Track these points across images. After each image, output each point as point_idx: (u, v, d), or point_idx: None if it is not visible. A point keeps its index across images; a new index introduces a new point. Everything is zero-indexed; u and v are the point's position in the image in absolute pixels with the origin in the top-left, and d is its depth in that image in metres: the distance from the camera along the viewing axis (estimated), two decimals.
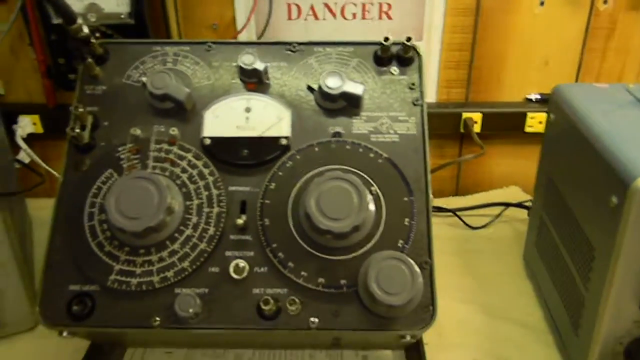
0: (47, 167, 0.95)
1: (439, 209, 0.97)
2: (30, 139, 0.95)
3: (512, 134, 1.00)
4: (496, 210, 0.97)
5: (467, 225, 0.94)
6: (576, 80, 0.98)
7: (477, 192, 1.04)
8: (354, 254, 0.56)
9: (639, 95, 0.67)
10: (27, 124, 0.95)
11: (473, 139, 0.95)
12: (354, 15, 0.92)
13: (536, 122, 0.97)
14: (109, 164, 0.60)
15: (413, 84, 0.64)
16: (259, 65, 0.62)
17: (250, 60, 0.62)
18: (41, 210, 0.94)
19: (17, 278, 0.70)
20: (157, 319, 0.55)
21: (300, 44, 0.66)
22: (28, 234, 0.87)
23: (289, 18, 0.92)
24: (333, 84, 0.61)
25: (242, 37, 0.92)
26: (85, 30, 0.60)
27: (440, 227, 0.94)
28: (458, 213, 0.96)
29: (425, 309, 0.54)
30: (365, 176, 0.59)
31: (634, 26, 0.93)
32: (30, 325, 0.74)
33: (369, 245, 0.56)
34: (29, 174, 0.96)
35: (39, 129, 0.97)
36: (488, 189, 1.05)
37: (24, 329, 0.73)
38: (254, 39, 0.93)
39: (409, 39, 0.62)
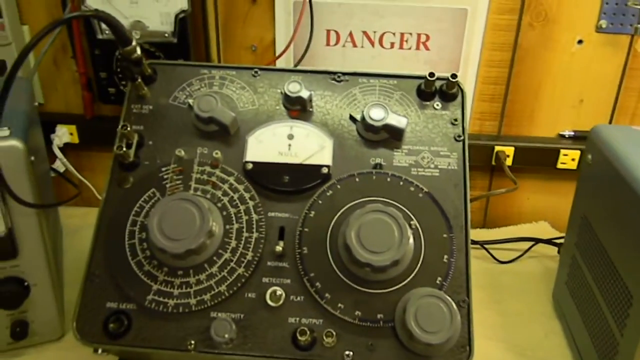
0: (80, 177, 0.97)
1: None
2: (65, 148, 0.97)
3: (544, 169, 1.00)
4: (525, 245, 0.96)
5: (495, 259, 0.94)
6: (611, 120, 0.97)
7: (505, 226, 1.04)
8: (392, 288, 0.56)
9: None
10: (64, 134, 0.96)
11: (505, 172, 0.95)
12: (392, 44, 0.93)
13: (569, 159, 0.97)
14: (152, 183, 0.61)
15: (455, 120, 0.64)
16: (304, 93, 0.63)
17: (296, 88, 0.62)
18: (71, 218, 0.95)
19: (49, 288, 0.71)
20: (192, 342, 0.55)
21: (344, 73, 0.66)
22: (59, 242, 0.88)
23: (327, 44, 0.93)
24: (377, 115, 0.62)
25: (280, 61, 0.93)
26: (139, 51, 0.61)
27: None
28: (486, 246, 0.95)
29: (462, 349, 0.54)
30: (405, 210, 0.59)
31: None
32: (57, 335, 0.74)
33: (407, 280, 0.56)
34: (62, 183, 0.97)
35: (75, 139, 0.98)
36: (517, 223, 1.04)
37: (52, 338, 0.74)
38: (291, 63, 0.94)
39: (454, 76, 0.63)
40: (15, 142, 0.63)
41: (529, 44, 0.92)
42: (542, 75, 0.95)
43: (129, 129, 0.61)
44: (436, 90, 0.65)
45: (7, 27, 0.89)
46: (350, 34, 0.92)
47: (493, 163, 0.99)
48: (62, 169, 0.96)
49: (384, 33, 0.92)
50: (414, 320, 0.52)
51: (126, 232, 0.59)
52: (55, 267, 0.74)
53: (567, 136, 0.98)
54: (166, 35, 0.87)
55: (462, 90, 0.65)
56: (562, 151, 0.97)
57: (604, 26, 0.90)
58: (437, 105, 0.65)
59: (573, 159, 0.97)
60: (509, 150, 0.97)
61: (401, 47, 0.93)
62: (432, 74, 0.63)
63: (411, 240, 0.57)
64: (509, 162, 0.97)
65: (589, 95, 0.96)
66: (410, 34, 0.92)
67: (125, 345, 0.55)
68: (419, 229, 0.59)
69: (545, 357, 0.74)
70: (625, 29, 0.90)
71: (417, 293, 0.53)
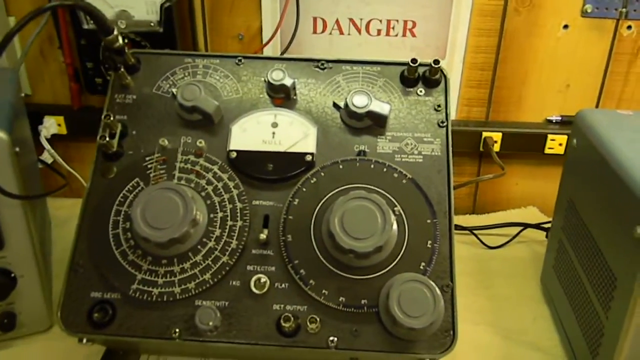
0: (69, 168, 0.96)
1: (456, 227, 0.97)
2: (53, 139, 0.97)
3: (532, 154, 1.00)
4: (513, 230, 0.96)
5: (484, 244, 0.94)
6: (597, 104, 0.97)
7: (494, 211, 1.04)
8: (375, 274, 0.56)
9: None
10: (52, 125, 0.96)
11: (493, 158, 0.95)
12: (379, 31, 0.92)
13: (556, 144, 0.97)
14: (135, 172, 0.61)
15: (439, 106, 0.64)
16: (287, 81, 0.63)
17: (280, 76, 0.62)
18: (60, 209, 0.95)
19: (36, 279, 0.71)
20: (177, 330, 0.55)
21: (328, 61, 0.66)
22: (47, 233, 0.88)
23: (314, 32, 0.93)
24: (360, 102, 0.62)
25: (267, 49, 0.92)
26: (120, 41, 0.61)
27: (456, 245, 0.93)
28: (475, 232, 0.96)
29: (445, 333, 0.54)
30: (389, 196, 0.59)
31: None
32: (45, 326, 0.74)
33: (390, 266, 0.57)
34: (50, 174, 0.97)
35: (63, 130, 0.98)
36: (506, 208, 1.04)
37: (40, 329, 0.74)
38: (278, 51, 0.94)
39: (436, 62, 0.63)
40: None
41: (514, 29, 0.92)
42: (529, 61, 0.95)
43: (112, 118, 0.61)
44: (419, 77, 0.65)
45: None
46: (337, 22, 0.92)
47: (481, 149, 0.99)
48: (50, 160, 0.95)
49: (370, 20, 0.92)
50: (397, 305, 0.52)
51: (110, 221, 0.59)
52: (43, 259, 0.74)
53: (554, 121, 0.98)
54: (152, 24, 0.86)
55: (445, 76, 0.65)
56: (550, 136, 0.97)
57: (589, 10, 0.90)
58: (421, 91, 0.65)
59: (560, 144, 0.97)
60: (497, 136, 0.97)
61: (388, 34, 0.93)
62: (414, 60, 0.63)
63: (394, 227, 0.57)
64: (496, 147, 0.97)
65: (575, 80, 0.96)
66: (397, 20, 0.91)
67: (110, 334, 0.56)
68: (403, 215, 0.59)
69: (533, 340, 0.75)
70: (610, 13, 0.90)
71: (400, 278, 0.53)
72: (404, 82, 0.65)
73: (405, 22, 0.91)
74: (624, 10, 0.89)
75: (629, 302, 0.54)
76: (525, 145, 0.99)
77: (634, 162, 0.59)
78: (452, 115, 0.99)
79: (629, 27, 0.92)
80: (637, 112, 0.72)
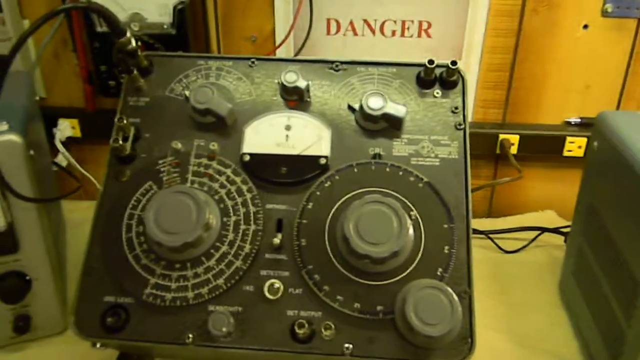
0: (83, 171, 0.97)
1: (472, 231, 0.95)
2: (67, 142, 0.97)
3: (550, 157, 0.98)
4: (531, 234, 0.95)
5: (500, 248, 0.93)
6: (618, 105, 0.95)
7: (510, 215, 1.02)
8: (391, 280, 0.55)
9: None
10: (66, 128, 0.96)
11: (510, 161, 0.93)
12: (393, 32, 0.91)
13: (575, 146, 0.95)
14: (149, 176, 0.60)
15: (456, 108, 0.63)
16: (301, 83, 0.62)
17: (293, 78, 0.61)
18: (74, 212, 0.95)
19: (50, 282, 0.71)
20: (190, 335, 0.55)
21: (342, 62, 0.65)
22: (62, 235, 0.88)
23: (328, 33, 0.92)
24: (375, 104, 0.61)
25: (280, 51, 0.92)
26: (133, 43, 0.60)
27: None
28: (491, 236, 0.94)
29: (463, 341, 0.53)
30: (405, 200, 0.58)
31: None
32: (60, 329, 0.74)
33: (407, 272, 0.56)
34: (65, 177, 0.97)
35: (77, 133, 0.98)
36: (523, 211, 1.03)
37: (54, 332, 0.74)
38: (292, 52, 0.93)
39: (454, 63, 0.62)
40: (13, 137, 0.63)
41: (533, 29, 0.90)
42: (547, 62, 0.93)
43: (125, 121, 0.61)
44: (436, 78, 0.64)
45: (8, 21, 0.88)
46: (351, 23, 0.91)
47: (497, 151, 0.97)
48: (64, 163, 0.95)
49: (385, 21, 0.91)
50: (414, 312, 0.51)
51: (123, 225, 0.59)
52: (57, 261, 0.74)
53: (573, 123, 0.97)
54: (165, 26, 0.86)
55: (462, 78, 0.64)
56: (569, 138, 0.95)
57: (609, 10, 0.88)
58: (437, 93, 0.64)
59: (580, 147, 0.95)
60: (514, 139, 0.96)
61: (402, 35, 0.91)
62: (431, 61, 0.61)
63: (411, 231, 0.56)
64: (513, 150, 0.96)
65: (595, 80, 0.94)
66: (412, 21, 0.90)
67: (123, 339, 0.55)
68: (419, 219, 0.58)
69: (551, 348, 0.73)
70: (631, 13, 0.88)
71: (417, 285, 0.52)
72: (420, 84, 0.64)
73: (421, 22, 0.90)
74: None
75: None
76: (543, 148, 0.97)
77: None
78: (469, 117, 0.97)
79: None
80: None
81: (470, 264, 0.56)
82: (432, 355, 0.53)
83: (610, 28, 0.90)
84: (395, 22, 0.91)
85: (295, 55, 0.92)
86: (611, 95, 0.95)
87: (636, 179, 0.58)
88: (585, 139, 0.94)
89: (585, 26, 0.90)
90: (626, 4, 0.88)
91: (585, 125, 0.95)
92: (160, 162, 0.61)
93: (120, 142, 0.60)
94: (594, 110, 0.79)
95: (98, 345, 0.56)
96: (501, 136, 0.96)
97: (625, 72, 0.93)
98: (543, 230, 0.95)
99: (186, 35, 0.87)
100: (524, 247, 0.93)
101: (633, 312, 0.58)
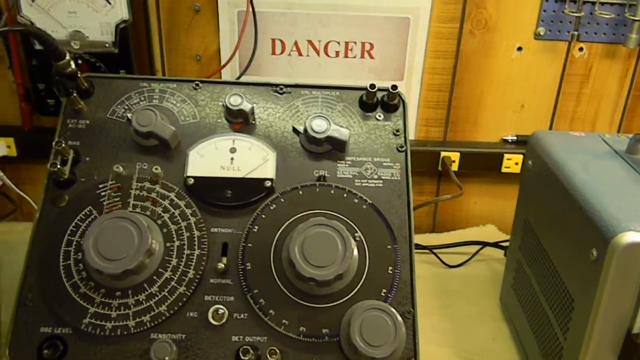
0: (19, 192, 0.93)
1: (416, 246, 0.97)
2: (2, 161, 0.93)
3: (489, 173, 1.02)
4: (473, 248, 0.97)
5: (444, 263, 0.95)
6: (551, 124, 1.00)
7: (453, 230, 1.05)
8: (336, 302, 0.56)
9: (614, 145, 0.69)
10: (1, 147, 0.92)
11: (451, 178, 0.96)
12: (337, 53, 0.93)
13: (512, 163, 0.99)
14: (88, 201, 0.59)
15: (398, 130, 0.64)
16: (246, 106, 0.62)
17: (238, 101, 0.62)
18: (9, 234, 0.91)
19: None
20: None
21: (287, 85, 0.66)
22: None
23: (273, 53, 0.93)
24: (319, 127, 0.61)
25: (226, 70, 0.91)
26: (73, 66, 0.59)
27: (416, 264, 0.94)
28: (435, 251, 0.97)
29: None
30: (350, 222, 0.59)
31: (607, 73, 0.97)
32: None
33: (352, 294, 0.56)
34: (0, 199, 0.93)
35: (13, 152, 0.95)
36: (465, 226, 1.06)
37: None
38: (237, 72, 0.93)
39: (394, 87, 0.63)
40: None
41: (470, 51, 0.94)
42: (484, 82, 0.97)
43: (63, 145, 0.59)
44: (378, 101, 0.65)
45: None
46: (296, 43, 0.92)
47: (440, 168, 1.00)
48: None
49: (329, 42, 0.92)
50: (359, 334, 0.52)
51: (61, 252, 0.57)
52: None
53: (510, 141, 1.01)
54: (107, 45, 0.84)
55: (403, 101, 0.65)
56: (506, 155, 0.99)
57: (542, 33, 0.93)
58: (380, 116, 0.65)
59: (517, 163, 0.99)
60: (455, 156, 0.99)
61: (346, 56, 0.93)
62: (372, 86, 0.63)
63: (355, 253, 0.57)
64: (455, 167, 0.99)
65: (529, 100, 0.98)
66: (355, 42, 0.92)
67: None
68: (364, 241, 0.59)
69: None
70: (562, 36, 0.93)
71: (361, 306, 0.53)
72: (362, 107, 0.65)
73: (363, 44, 0.92)
74: (575, 32, 0.92)
75: (587, 324, 0.55)
76: (482, 165, 1.00)
77: (589, 185, 0.60)
78: (411, 136, 1.00)
79: (581, 49, 0.95)
80: (589, 134, 0.74)
81: (413, 284, 0.57)
82: None
83: (543, 50, 0.95)
84: (338, 43, 0.92)
85: (241, 74, 0.92)
86: (544, 114, 1.00)
87: (568, 198, 0.61)
88: (521, 156, 0.98)
89: (520, 48, 0.95)
90: (557, 27, 0.93)
91: (521, 143, 0.99)
92: (101, 186, 0.60)
93: (59, 165, 0.58)
94: (529, 128, 0.82)
95: None
96: (443, 154, 0.99)
97: (557, 92, 0.98)
98: (484, 244, 0.98)
99: (129, 53, 0.85)
100: (467, 261, 0.96)
101: (568, 325, 0.60)
